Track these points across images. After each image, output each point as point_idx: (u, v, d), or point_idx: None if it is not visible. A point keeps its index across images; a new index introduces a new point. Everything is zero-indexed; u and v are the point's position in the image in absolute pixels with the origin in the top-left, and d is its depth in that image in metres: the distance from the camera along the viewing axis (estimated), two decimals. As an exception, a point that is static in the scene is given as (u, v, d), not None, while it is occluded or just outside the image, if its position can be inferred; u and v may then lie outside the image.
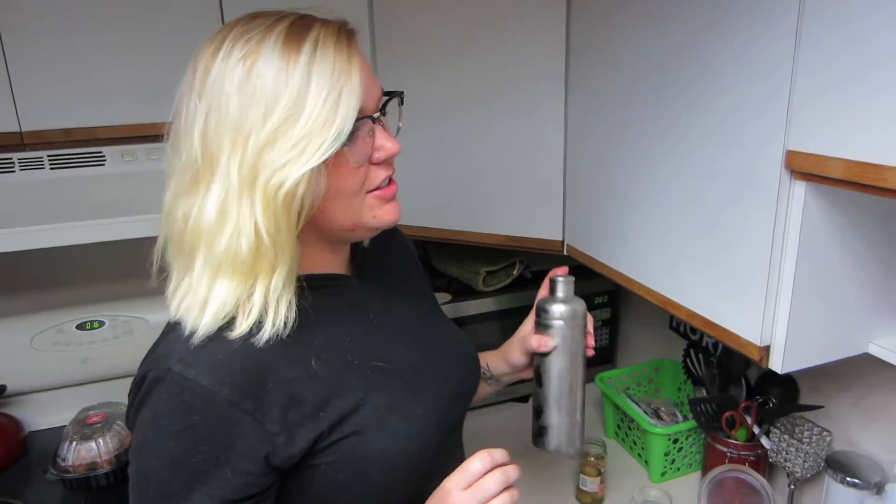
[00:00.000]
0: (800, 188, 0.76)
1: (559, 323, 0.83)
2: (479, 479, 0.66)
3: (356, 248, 0.80)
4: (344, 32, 0.64)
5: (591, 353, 0.87)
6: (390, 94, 0.71)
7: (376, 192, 0.69)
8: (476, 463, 0.67)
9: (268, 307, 0.64)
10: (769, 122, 0.77)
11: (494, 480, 0.66)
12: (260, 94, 0.60)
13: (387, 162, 0.69)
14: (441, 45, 1.26)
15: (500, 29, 1.20)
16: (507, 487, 0.67)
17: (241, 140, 0.60)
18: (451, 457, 0.82)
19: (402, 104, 0.74)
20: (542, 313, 0.84)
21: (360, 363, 0.71)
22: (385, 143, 0.68)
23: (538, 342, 0.84)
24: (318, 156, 0.60)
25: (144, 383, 0.63)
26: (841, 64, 0.68)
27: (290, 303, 0.65)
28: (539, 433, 0.85)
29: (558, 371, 0.84)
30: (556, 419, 0.84)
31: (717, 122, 0.85)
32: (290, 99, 0.59)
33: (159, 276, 0.68)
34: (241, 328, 0.63)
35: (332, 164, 0.62)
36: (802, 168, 0.74)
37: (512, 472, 0.67)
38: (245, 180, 0.60)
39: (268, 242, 0.61)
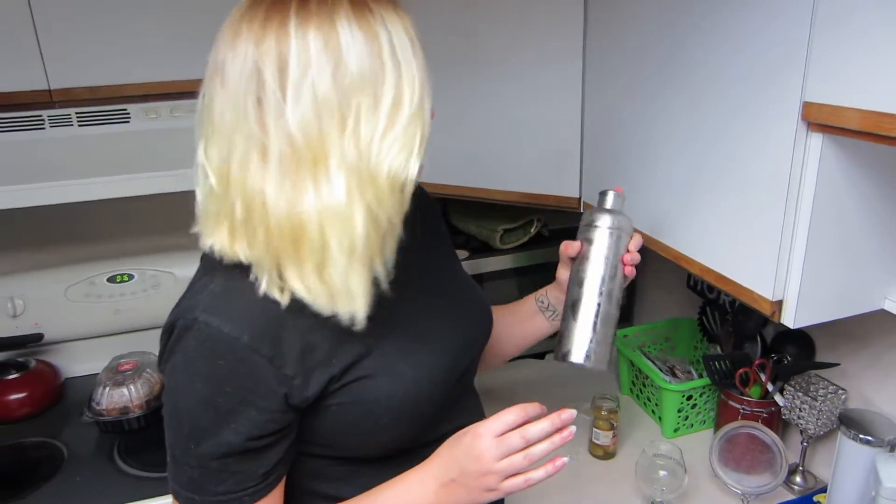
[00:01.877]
0: (816, 140, 0.75)
1: (594, 229, 0.81)
2: (509, 431, 0.69)
3: None
4: None
5: (628, 270, 0.84)
6: None
7: None
8: (510, 415, 0.69)
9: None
10: (787, 74, 0.75)
11: (520, 436, 0.68)
12: (359, 79, 0.59)
13: None
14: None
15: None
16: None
17: (351, 126, 0.59)
18: (462, 404, 0.86)
19: None
20: (582, 220, 0.83)
21: (372, 311, 0.73)
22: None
23: (566, 245, 0.83)
24: (423, 140, 0.62)
25: (174, 331, 0.66)
26: (859, 11, 0.65)
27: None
28: (560, 342, 0.82)
29: (588, 276, 0.80)
30: (577, 329, 0.80)
31: (736, 74, 0.83)
32: (392, 82, 0.60)
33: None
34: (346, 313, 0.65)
35: None
36: (819, 119, 0.72)
37: (534, 430, 0.69)
38: (365, 171, 0.60)
39: (390, 224, 0.63)
